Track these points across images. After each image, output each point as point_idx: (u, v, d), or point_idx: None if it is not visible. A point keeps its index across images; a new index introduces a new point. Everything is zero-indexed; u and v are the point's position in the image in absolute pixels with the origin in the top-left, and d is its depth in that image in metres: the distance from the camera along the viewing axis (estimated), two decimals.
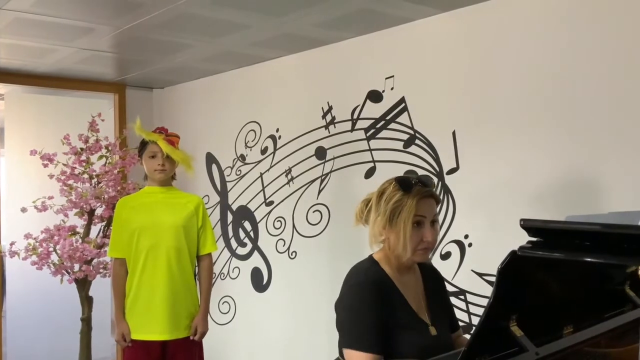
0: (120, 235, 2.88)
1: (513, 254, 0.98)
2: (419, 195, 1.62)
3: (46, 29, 2.92)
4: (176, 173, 2.99)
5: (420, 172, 2.83)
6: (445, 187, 2.75)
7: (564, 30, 2.32)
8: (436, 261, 2.76)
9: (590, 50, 2.25)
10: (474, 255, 2.65)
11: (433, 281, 1.82)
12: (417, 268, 1.79)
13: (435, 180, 2.78)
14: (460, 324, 2.66)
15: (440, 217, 2.76)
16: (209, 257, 3.00)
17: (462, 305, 2.67)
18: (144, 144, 2.88)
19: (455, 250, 2.71)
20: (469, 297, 2.66)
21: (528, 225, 0.92)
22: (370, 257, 1.74)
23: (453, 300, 2.68)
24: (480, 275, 2.60)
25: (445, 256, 2.74)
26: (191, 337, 2.88)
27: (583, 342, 1.23)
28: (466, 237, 2.67)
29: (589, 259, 0.89)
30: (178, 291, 2.85)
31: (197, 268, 3.01)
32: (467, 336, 1.85)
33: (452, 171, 2.73)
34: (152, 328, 2.82)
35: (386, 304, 1.61)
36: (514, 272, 1.04)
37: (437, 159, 2.78)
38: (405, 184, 1.64)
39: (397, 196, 1.62)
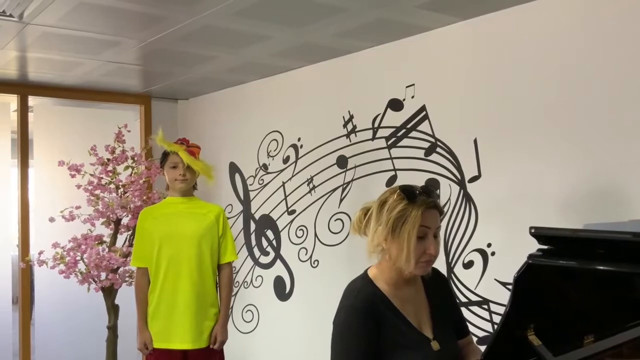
0: (142, 245, 2.93)
1: (529, 262, 0.97)
2: (424, 206, 1.54)
3: (73, 43, 3.00)
4: (197, 183, 3.04)
5: (442, 180, 2.81)
6: (467, 195, 2.73)
7: (588, 36, 2.29)
8: (459, 270, 2.75)
9: (612, 57, 2.22)
10: (497, 263, 2.61)
11: (438, 289, 1.73)
12: (419, 279, 1.71)
13: (457, 188, 2.76)
14: (483, 334, 2.64)
15: (462, 225, 2.74)
16: (229, 266, 3.02)
17: (486, 314, 2.64)
18: (165, 155, 2.95)
19: (478, 259, 2.68)
20: (492, 307, 2.62)
21: (538, 233, 0.91)
22: (365, 274, 1.67)
23: (476, 309, 2.66)
24: (504, 284, 2.57)
25: (468, 265, 2.71)
26: (210, 346, 2.91)
27: (603, 352, 1.20)
28: (489, 245, 2.64)
29: (600, 267, 0.87)
30: (199, 300, 2.88)
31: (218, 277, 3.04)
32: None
33: (473, 179, 2.71)
34: (173, 337, 2.85)
35: (379, 326, 1.56)
36: (531, 280, 1.03)
37: (458, 167, 2.77)
38: (410, 193, 1.56)
39: (401, 206, 1.55)
